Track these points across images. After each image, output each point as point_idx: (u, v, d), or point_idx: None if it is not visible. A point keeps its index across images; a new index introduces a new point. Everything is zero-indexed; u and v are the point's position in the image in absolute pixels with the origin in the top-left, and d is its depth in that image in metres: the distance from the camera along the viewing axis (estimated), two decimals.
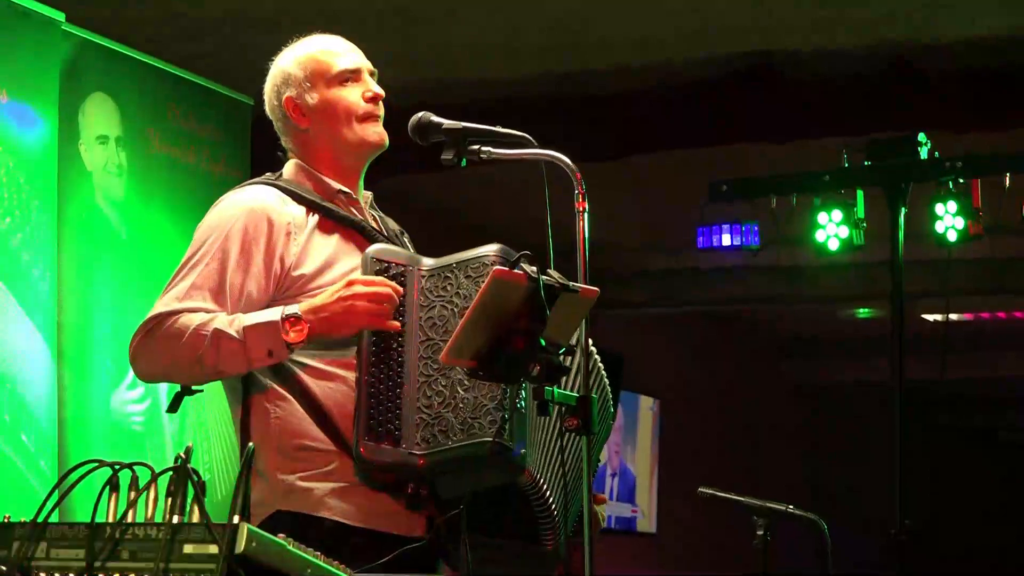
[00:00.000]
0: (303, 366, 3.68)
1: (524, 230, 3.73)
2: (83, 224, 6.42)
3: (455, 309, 3.59)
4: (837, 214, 8.91)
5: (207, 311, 3.60)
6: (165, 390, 6.02)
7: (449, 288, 3.64)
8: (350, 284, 3.59)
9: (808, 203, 9.05)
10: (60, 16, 6.30)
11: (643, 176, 10.12)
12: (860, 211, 8.90)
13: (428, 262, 3.71)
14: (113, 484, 2.80)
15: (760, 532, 6.20)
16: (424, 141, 3.78)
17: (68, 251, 6.27)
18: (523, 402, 3.51)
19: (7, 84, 5.98)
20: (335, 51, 3.93)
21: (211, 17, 7.63)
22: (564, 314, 3.37)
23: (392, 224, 4.00)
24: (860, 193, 8.90)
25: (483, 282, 3.48)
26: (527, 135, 3.71)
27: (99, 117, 6.60)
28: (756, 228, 9.47)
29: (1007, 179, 8.59)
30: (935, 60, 8.32)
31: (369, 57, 4.00)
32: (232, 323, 3.57)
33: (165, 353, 3.60)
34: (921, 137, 8.30)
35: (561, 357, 3.40)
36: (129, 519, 2.73)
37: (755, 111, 8.74)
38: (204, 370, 3.60)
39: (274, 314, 3.58)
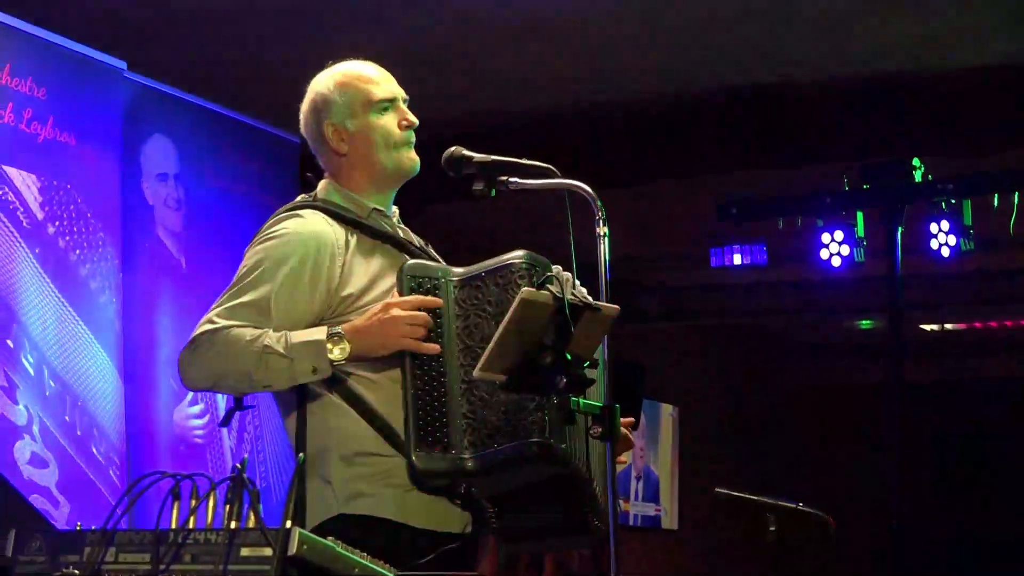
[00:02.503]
0: (355, 376, 3.64)
1: (549, 252, 3.71)
2: (145, 254, 6.45)
3: (488, 316, 3.57)
4: (839, 233, 8.92)
5: (255, 328, 3.56)
6: (223, 406, 6.04)
7: (480, 296, 3.61)
8: (388, 307, 3.58)
9: (812, 223, 9.05)
10: (122, 64, 6.33)
11: (658, 199, 10.12)
12: (860, 230, 8.91)
13: (458, 272, 3.69)
14: (176, 493, 2.81)
15: (772, 528, 6.19)
16: (456, 173, 3.76)
17: (132, 279, 6.30)
18: (558, 403, 3.47)
19: (75, 129, 6.00)
20: (373, 79, 3.88)
21: (259, 60, 7.65)
22: (588, 330, 3.37)
23: (415, 238, 3.95)
24: (860, 214, 8.91)
25: (511, 287, 3.50)
26: (551, 166, 3.70)
27: (159, 156, 6.63)
28: (764, 247, 9.47)
29: (995, 198, 8.59)
30: (928, 89, 8.31)
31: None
32: (280, 340, 3.54)
33: (214, 365, 3.55)
34: (915, 161, 8.31)
35: (585, 370, 3.39)
36: (190, 525, 2.73)
37: (761, 138, 8.74)
38: (252, 383, 3.56)
39: (319, 333, 3.55)
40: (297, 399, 3.69)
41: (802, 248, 9.18)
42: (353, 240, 3.75)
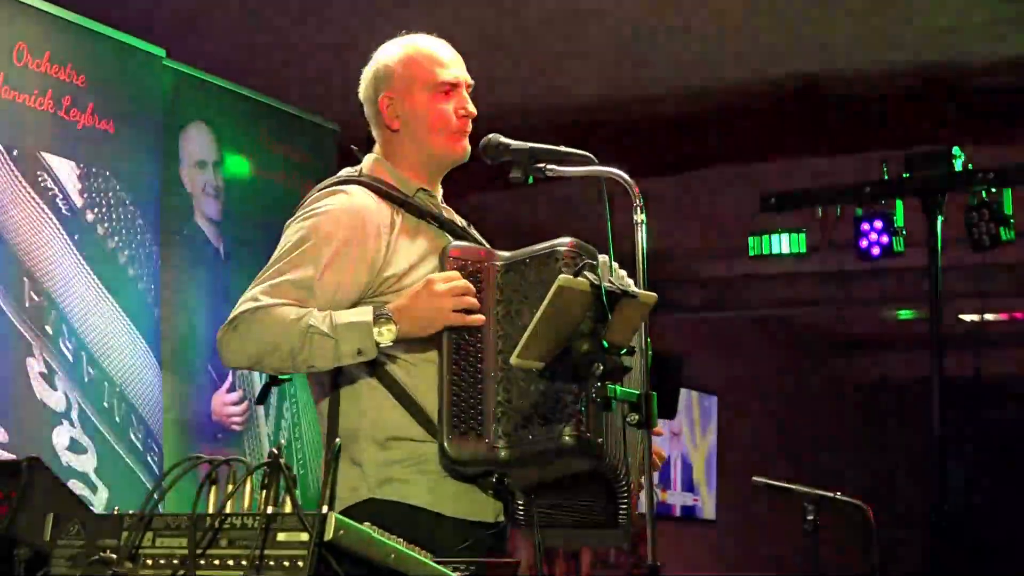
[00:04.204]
0: (393, 359, 3.58)
1: (589, 240, 3.70)
2: (184, 241, 6.47)
3: (529, 302, 3.51)
4: (878, 223, 8.89)
5: (299, 306, 3.49)
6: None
7: (524, 282, 3.56)
8: (431, 283, 3.51)
9: (851, 213, 9.02)
10: (161, 52, 6.34)
11: (698, 189, 10.11)
12: (899, 220, 8.87)
13: (503, 256, 3.64)
14: (213, 478, 2.81)
15: (810, 517, 6.18)
16: (494, 161, 3.73)
17: (170, 267, 6.32)
18: (595, 391, 3.43)
19: (114, 116, 6.03)
20: (441, 59, 3.80)
21: (298, 48, 7.67)
22: (625, 318, 3.35)
23: (459, 219, 3.88)
24: (899, 203, 8.87)
25: (554, 274, 3.42)
26: (589, 154, 3.68)
27: (198, 144, 6.65)
28: (803, 236, 9.45)
29: None
30: (967, 78, 8.28)
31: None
32: (325, 319, 3.46)
33: (257, 343, 3.47)
34: (955, 151, 8.27)
35: (622, 357, 3.38)
36: (227, 510, 2.74)
37: (800, 128, 8.72)
38: (295, 363, 3.48)
39: (366, 314, 3.48)
40: (331, 380, 3.64)
41: (841, 237, 9.15)
42: (399, 219, 3.67)
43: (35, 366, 5.57)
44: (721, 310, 13.83)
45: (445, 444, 3.47)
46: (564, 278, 3.29)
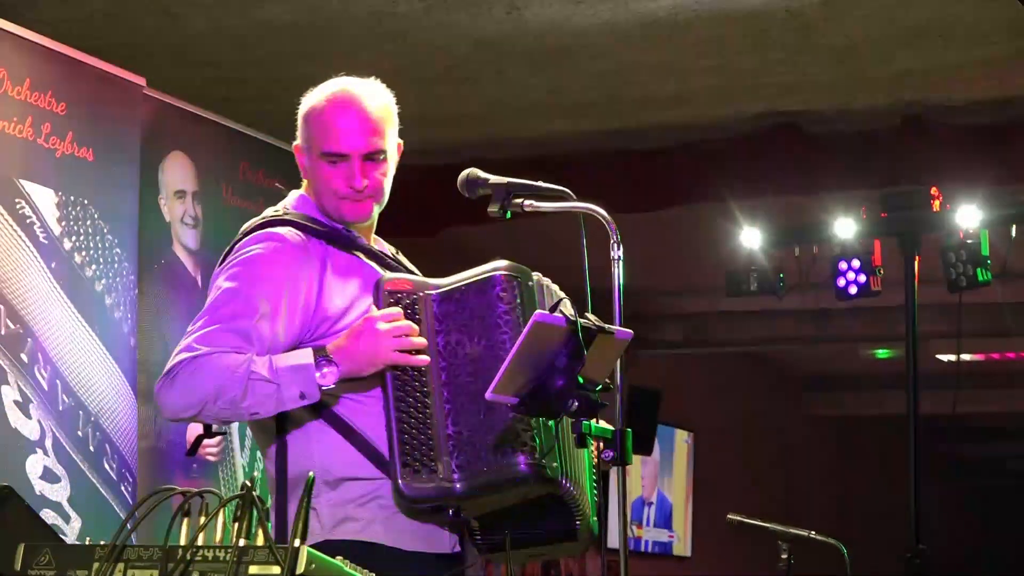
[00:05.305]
0: (338, 399, 3.55)
1: (565, 275, 3.70)
2: (162, 271, 6.46)
3: (471, 331, 3.51)
4: (856, 262, 8.92)
5: (237, 353, 3.44)
6: (237, 425, 6.05)
7: (462, 311, 3.54)
8: (370, 322, 3.47)
9: (829, 252, 9.05)
10: (141, 81, 6.35)
11: (677, 226, 10.13)
12: (877, 259, 8.90)
13: (437, 284, 3.61)
14: (185, 510, 2.81)
15: (784, 556, 6.19)
16: (472, 195, 3.73)
17: (147, 296, 6.31)
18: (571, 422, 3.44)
19: (93, 144, 6.03)
20: (334, 127, 3.68)
21: (277, 79, 7.68)
22: (601, 354, 3.35)
23: (388, 247, 3.85)
24: (877, 243, 8.91)
25: (493, 300, 3.46)
26: (567, 189, 3.69)
27: (177, 174, 6.65)
28: (781, 275, 9.47)
29: (1013, 229, 8.59)
30: (946, 118, 8.32)
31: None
32: (265, 364, 3.42)
33: (197, 393, 3.41)
34: (933, 191, 8.32)
35: (598, 394, 3.38)
36: (199, 542, 2.73)
37: (779, 166, 8.74)
38: (238, 411, 3.44)
39: (306, 356, 3.44)
40: (278, 424, 3.59)
41: (818, 276, 9.18)
42: (328, 257, 3.64)
43: (9, 394, 5.55)
44: (698, 347, 13.84)
45: (399, 483, 3.43)
46: (540, 313, 3.30)
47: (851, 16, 7.19)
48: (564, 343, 3.29)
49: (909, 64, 7.76)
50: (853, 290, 8.95)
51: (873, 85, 8.07)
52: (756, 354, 15.49)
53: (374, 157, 3.69)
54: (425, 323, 3.55)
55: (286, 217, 3.71)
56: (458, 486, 3.44)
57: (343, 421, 3.56)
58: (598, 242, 3.60)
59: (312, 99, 3.77)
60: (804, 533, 6.25)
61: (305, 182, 3.82)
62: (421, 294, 3.59)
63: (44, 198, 5.79)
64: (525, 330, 3.27)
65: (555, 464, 3.44)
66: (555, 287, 3.70)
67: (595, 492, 3.69)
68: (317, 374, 3.42)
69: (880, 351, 15.17)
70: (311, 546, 3.27)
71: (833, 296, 9.13)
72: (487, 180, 3.72)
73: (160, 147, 6.56)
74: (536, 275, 3.62)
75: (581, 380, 3.32)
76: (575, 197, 3.67)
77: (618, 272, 3.55)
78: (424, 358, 3.50)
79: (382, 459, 3.51)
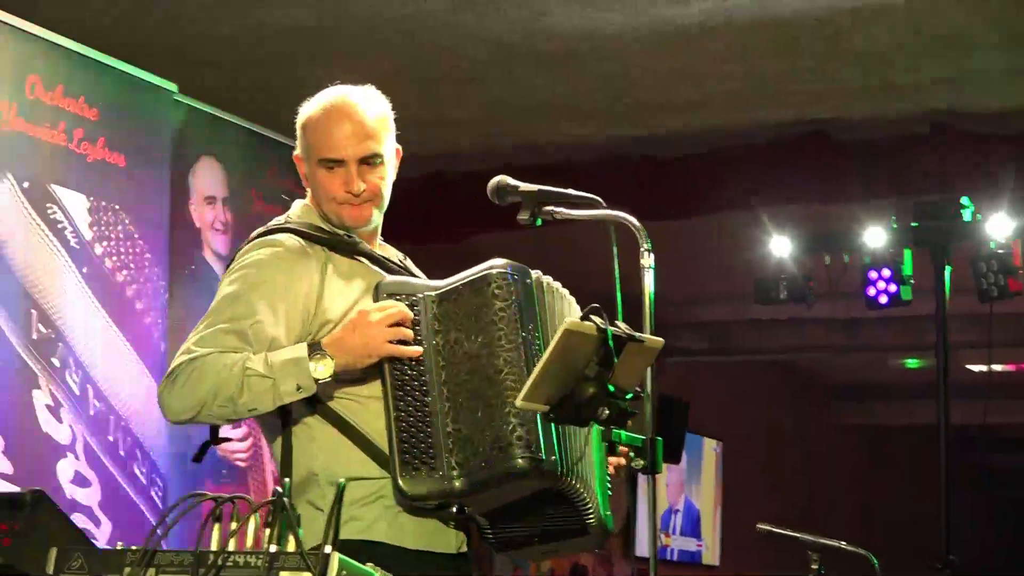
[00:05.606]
0: (339, 399, 3.59)
1: (594, 283, 3.70)
2: (191, 276, 6.49)
3: (468, 329, 3.54)
4: (886, 271, 8.90)
5: (235, 352, 3.50)
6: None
7: (459, 310, 3.57)
8: (364, 314, 3.51)
9: (859, 260, 9.03)
10: (173, 87, 6.38)
11: (705, 233, 10.12)
12: (908, 268, 8.88)
13: (437, 285, 3.64)
14: (216, 515, 2.82)
15: (814, 566, 6.17)
16: (502, 202, 3.75)
17: (178, 301, 6.33)
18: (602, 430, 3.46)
19: (125, 150, 6.05)
20: (330, 133, 3.72)
21: (306, 84, 7.70)
22: (631, 362, 3.35)
23: (394, 252, 3.90)
24: (908, 252, 8.88)
25: (489, 299, 3.49)
26: (597, 197, 3.70)
27: (207, 179, 6.68)
28: (811, 283, 9.46)
29: None
30: (976, 126, 8.29)
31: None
32: (261, 360, 3.47)
33: (196, 393, 3.47)
34: (965, 200, 8.29)
35: (628, 402, 3.39)
36: (230, 548, 2.74)
37: (809, 174, 8.73)
38: (236, 408, 3.48)
39: (300, 350, 3.48)
40: (281, 423, 3.63)
41: (848, 285, 9.16)
42: (330, 262, 3.69)
43: (41, 398, 5.58)
44: (727, 355, 13.83)
45: (399, 482, 3.46)
46: (571, 321, 3.30)
47: (880, 24, 7.18)
48: (594, 351, 3.29)
49: (938, 72, 7.74)
50: (884, 299, 8.93)
51: (902, 93, 8.06)
52: (785, 362, 15.47)
53: (370, 161, 3.73)
54: (425, 323, 3.58)
55: (288, 225, 3.77)
56: (457, 483, 3.46)
57: (346, 422, 3.60)
58: (625, 250, 3.60)
59: (308, 108, 3.83)
60: (834, 543, 6.23)
61: (309, 191, 3.85)
62: (420, 295, 3.62)
63: (76, 203, 5.82)
64: (556, 336, 3.27)
65: (553, 458, 3.46)
66: (558, 285, 3.72)
67: (608, 487, 3.70)
68: (311, 366, 3.46)
69: (910, 361, 15.14)
70: (315, 547, 3.29)
71: (863, 305, 9.11)
72: (517, 187, 3.74)
73: (191, 152, 6.59)
74: (535, 273, 3.64)
75: (611, 388, 3.32)
76: (605, 205, 3.68)
77: (649, 280, 3.56)
78: (417, 349, 3.53)
79: (385, 459, 3.54)
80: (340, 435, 3.59)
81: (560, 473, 3.49)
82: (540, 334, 3.56)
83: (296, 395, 3.48)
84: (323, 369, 3.46)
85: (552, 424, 3.46)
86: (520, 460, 3.43)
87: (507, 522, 3.64)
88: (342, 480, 2.89)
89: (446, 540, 3.64)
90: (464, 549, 3.67)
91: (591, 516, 3.62)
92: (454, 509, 3.54)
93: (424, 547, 3.60)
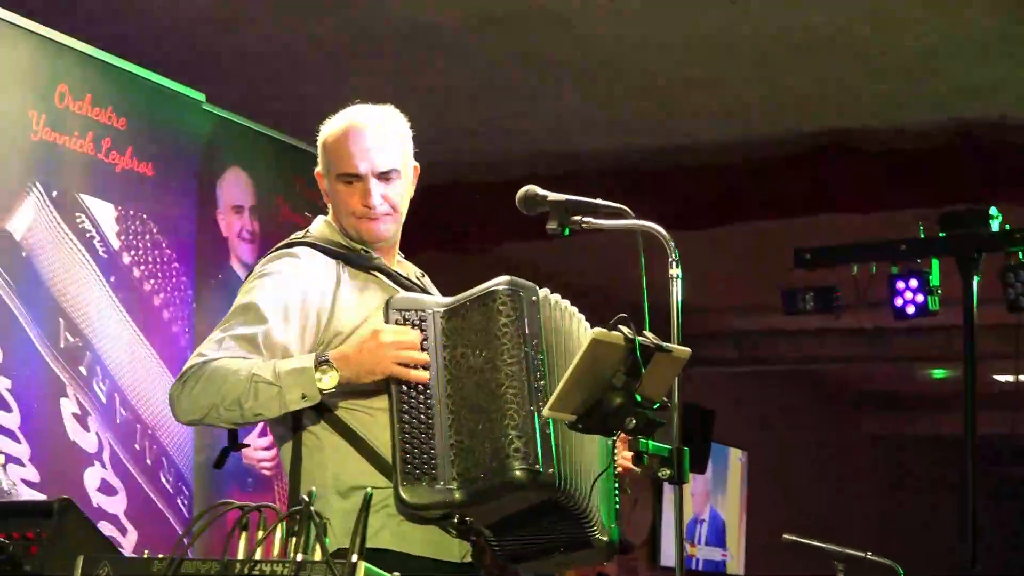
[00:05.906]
0: (351, 410, 3.66)
1: (623, 293, 3.71)
2: (219, 286, 6.50)
3: (474, 344, 3.59)
4: (914, 281, 8.87)
5: (244, 358, 3.57)
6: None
7: (466, 327, 3.62)
8: (376, 334, 3.57)
9: (886, 271, 9.00)
10: (201, 96, 6.39)
11: (732, 244, 10.11)
12: (935, 279, 8.85)
13: (445, 302, 3.70)
14: (243, 524, 2.82)
15: None
16: (530, 212, 3.77)
17: (205, 311, 6.34)
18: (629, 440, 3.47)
19: (153, 159, 6.07)
20: (347, 149, 3.82)
21: (334, 95, 7.72)
22: (658, 372, 3.36)
23: (413, 269, 3.98)
24: (935, 262, 8.85)
25: (494, 315, 3.55)
26: (625, 207, 3.71)
27: (235, 189, 6.69)
28: (838, 293, 9.43)
29: None
30: (1003, 135, 8.27)
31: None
32: (268, 368, 3.54)
33: (205, 396, 3.54)
34: (992, 210, 8.26)
35: (655, 412, 3.39)
36: (257, 557, 2.75)
37: (836, 184, 8.71)
38: (243, 413, 3.55)
39: (307, 360, 3.54)
40: (291, 432, 3.72)
41: (875, 295, 9.13)
42: (345, 276, 3.78)
43: (68, 407, 5.59)
44: (753, 365, 13.81)
45: (401, 491, 3.51)
46: (599, 331, 3.30)
47: (905, 33, 7.17)
48: (622, 361, 3.30)
49: (965, 81, 7.72)
50: (911, 310, 8.90)
51: (929, 102, 8.04)
52: (811, 373, 15.43)
53: (387, 176, 3.82)
54: (433, 338, 3.63)
55: (305, 239, 3.86)
56: (457, 494, 3.51)
57: (353, 432, 3.67)
58: (652, 259, 3.60)
59: (328, 127, 3.92)
60: (860, 553, 6.22)
61: (330, 208, 3.94)
62: (429, 312, 3.67)
63: (104, 212, 5.84)
64: (583, 346, 3.28)
65: (551, 470, 3.49)
66: (566, 303, 3.77)
67: (616, 501, 3.74)
68: (316, 376, 3.51)
69: (937, 371, 15.09)
70: (335, 554, 3.30)
71: (890, 315, 9.09)
72: (545, 197, 3.76)
73: (218, 162, 6.60)
74: (543, 291, 3.69)
75: (638, 398, 3.32)
76: (633, 215, 3.69)
77: (677, 290, 3.56)
78: (424, 374, 3.59)
79: (388, 468, 3.59)
80: (347, 445, 3.67)
81: (558, 485, 3.52)
82: (544, 350, 3.61)
83: (301, 403, 3.56)
84: (328, 380, 3.53)
85: (553, 437, 3.50)
86: (518, 472, 3.47)
87: (511, 534, 3.68)
88: (369, 488, 2.90)
89: (450, 549, 3.68)
90: (468, 559, 3.70)
91: (593, 529, 3.65)
92: (456, 519, 3.58)
93: (428, 554, 3.65)
